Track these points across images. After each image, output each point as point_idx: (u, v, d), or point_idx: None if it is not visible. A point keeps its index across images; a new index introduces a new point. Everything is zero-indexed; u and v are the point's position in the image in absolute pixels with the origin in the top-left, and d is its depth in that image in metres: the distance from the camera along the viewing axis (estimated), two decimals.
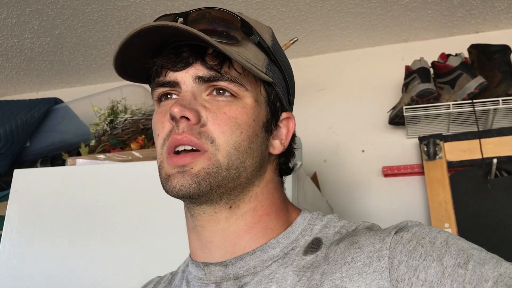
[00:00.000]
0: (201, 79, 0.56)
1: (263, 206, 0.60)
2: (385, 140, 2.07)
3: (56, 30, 2.10)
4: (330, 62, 2.30)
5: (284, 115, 0.64)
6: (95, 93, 1.98)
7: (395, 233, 0.52)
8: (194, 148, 0.54)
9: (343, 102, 2.22)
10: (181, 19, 0.57)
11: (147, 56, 0.58)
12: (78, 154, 1.79)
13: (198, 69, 0.56)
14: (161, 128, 0.57)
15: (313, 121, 2.22)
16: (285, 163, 0.66)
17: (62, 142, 1.97)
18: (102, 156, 1.49)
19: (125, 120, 1.81)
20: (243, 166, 0.57)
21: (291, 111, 0.68)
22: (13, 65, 2.42)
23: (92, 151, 1.73)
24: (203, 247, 0.60)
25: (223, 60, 0.56)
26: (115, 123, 1.81)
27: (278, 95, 0.63)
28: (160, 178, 0.57)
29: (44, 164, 1.94)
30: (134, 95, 1.91)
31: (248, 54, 0.58)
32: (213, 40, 0.53)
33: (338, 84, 2.25)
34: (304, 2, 1.91)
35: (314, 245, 0.57)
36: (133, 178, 1.30)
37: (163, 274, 0.75)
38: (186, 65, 0.56)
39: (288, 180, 1.19)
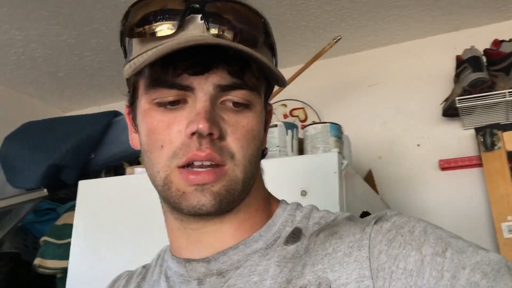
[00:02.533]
0: (222, 87, 0.51)
1: (255, 202, 0.59)
2: (440, 133, 2.02)
3: (112, 46, 2.22)
4: (380, 57, 2.27)
5: (268, 106, 0.62)
6: None
7: (375, 223, 0.52)
8: (212, 164, 0.51)
9: (395, 96, 2.18)
10: (197, 6, 0.51)
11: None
12: (138, 163, 1.89)
13: (220, 76, 0.51)
14: (167, 140, 0.52)
15: (365, 117, 2.21)
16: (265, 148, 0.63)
17: (123, 152, 2.07)
18: None
19: None
20: (254, 177, 0.56)
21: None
22: (76, 81, 2.59)
23: None
24: (189, 246, 0.57)
25: (244, 65, 0.52)
26: None
27: (271, 89, 0.61)
28: (167, 192, 0.53)
29: (108, 174, 2.05)
30: None
31: (265, 58, 0.54)
32: (254, 52, 0.50)
33: (389, 78, 2.22)
34: (348, 0, 1.90)
35: (295, 235, 0.56)
36: None
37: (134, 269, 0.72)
38: (206, 69, 0.50)
39: (334, 180, 1.21)
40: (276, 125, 1.39)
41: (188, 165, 0.51)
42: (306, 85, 2.22)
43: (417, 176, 2.02)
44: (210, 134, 0.50)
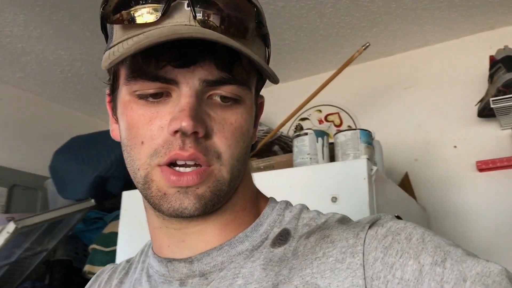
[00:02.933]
0: (209, 82, 0.48)
1: (241, 200, 0.56)
2: (477, 134, 1.99)
3: None
4: (414, 59, 2.27)
5: (259, 99, 0.59)
6: None
7: (369, 227, 0.49)
8: (196, 163, 0.48)
9: (430, 98, 2.17)
10: (200, 17, 0.47)
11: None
12: None
13: (207, 70, 0.47)
14: (148, 136, 0.48)
15: (401, 120, 2.21)
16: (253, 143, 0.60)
17: None
18: None
19: None
20: (241, 175, 0.53)
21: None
22: None
23: None
24: (171, 245, 0.55)
25: (233, 58, 0.48)
26: None
27: (263, 82, 0.57)
28: (147, 191, 0.49)
29: None
30: None
31: (256, 50, 0.51)
32: (244, 48, 0.46)
33: (424, 80, 2.21)
34: (377, 5, 1.92)
35: (282, 237, 0.53)
36: None
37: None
38: (192, 62, 0.46)
39: (364, 186, 1.23)
40: (306, 133, 1.43)
41: (170, 164, 0.48)
42: (340, 90, 2.25)
43: (455, 178, 2.01)
44: (195, 132, 0.47)
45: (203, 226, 0.54)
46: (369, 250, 0.47)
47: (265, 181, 1.31)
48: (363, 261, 0.46)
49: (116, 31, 0.51)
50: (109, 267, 0.69)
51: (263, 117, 2.35)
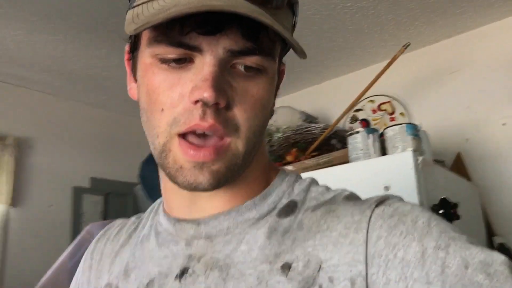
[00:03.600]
0: (234, 52, 0.46)
1: (254, 171, 0.55)
2: None
3: None
4: (458, 44, 2.39)
5: (281, 67, 0.57)
6: None
7: (376, 206, 0.48)
8: (215, 136, 0.47)
9: (477, 80, 2.30)
10: None
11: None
12: None
13: (232, 39, 0.45)
14: (169, 103, 0.47)
15: (449, 103, 2.35)
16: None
17: None
18: None
19: (279, 138, 2.21)
20: (255, 146, 0.51)
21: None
22: None
23: None
24: (182, 207, 0.55)
25: (259, 28, 0.46)
26: (272, 141, 2.22)
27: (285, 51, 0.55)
28: (164, 160, 0.49)
29: None
30: (282, 115, 2.29)
31: (284, 19, 0.50)
32: (275, 24, 0.44)
33: (469, 63, 2.34)
34: (415, 2, 2.07)
35: (289, 208, 0.53)
36: None
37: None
38: (218, 30, 0.45)
39: (411, 175, 1.43)
40: (358, 132, 1.64)
41: (189, 133, 0.47)
42: (390, 80, 2.42)
43: (505, 155, 2.14)
44: (217, 104, 0.46)
45: (214, 192, 0.52)
46: (374, 228, 0.46)
47: (325, 176, 1.52)
48: (366, 238, 0.46)
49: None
50: (118, 221, 0.68)
51: (318, 113, 2.56)
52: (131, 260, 0.59)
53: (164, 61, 0.47)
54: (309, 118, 2.42)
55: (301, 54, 0.49)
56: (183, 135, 0.47)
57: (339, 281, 0.45)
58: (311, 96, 2.84)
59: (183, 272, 0.52)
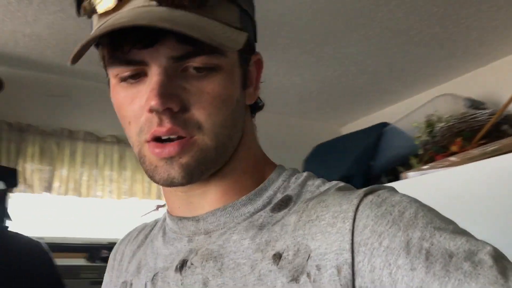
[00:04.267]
0: (175, 58, 0.48)
1: (241, 164, 0.57)
2: None
3: (369, 68, 2.61)
4: None
5: (254, 57, 0.58)
6: (411, 111, 2.36)
7: (364, 195, 0.49)
8: (182, 136, 0.50)
9: None
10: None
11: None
12: (410, 167, 2.20)
13: (171, 47, 0.47)
14: (132, 116, 0.51)
15: None
16: (257, 103, 0.61)
17: (395, 156, 2.42)
18: (426, 166, 1.86)
19: (441, 128, 2.13)
20: (229, 138, 0.53)
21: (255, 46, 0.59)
22: (346, 101, 3.08)
23: (420, 160, 2.12)
24: (181, 206, 0.58)
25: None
26: (434, 132, 2.15)
27: (249, 43, 0.55)
28: (143, 165, 0.53)
29: (387, 176, 2.43)
30: (443, 104, 2.20)
31: (222, 15, 0.50)
32: (198, 33, 0.45)
33: None
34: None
35: (283, 203, 0.55)
36: (455, 183, 1.58)
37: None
38: (154, 41, 0.47)
39: None
40: None
41: (155, 139, 0.50)
42: None
43: None
44: (169, 109, 0.48)
45: (205, 189, 0.56)
46: (361, 217, 0.47)
47: (491, 168, 1.43)
48: (353, 227, 0.46)
49: (93, 20, 0.53)
50: (140, 226, 0.71)
51: (485, 98, 2.39)
52: (143, 258, 0.62)
53: (123, 79, 0.50)
54: (475, 104, 2.28)
55: (228, 47, 0.48)
56: (151, 141, 0.50)
57: (326, 269, 0.46)
58: (475, 80, 2.66)
59: (182, 265, 0.55)
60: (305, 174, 0.59)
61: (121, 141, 2.72)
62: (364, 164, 2.49)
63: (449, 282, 0.40)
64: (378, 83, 2.79)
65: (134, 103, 0.50)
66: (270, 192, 0.56)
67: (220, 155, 0.53)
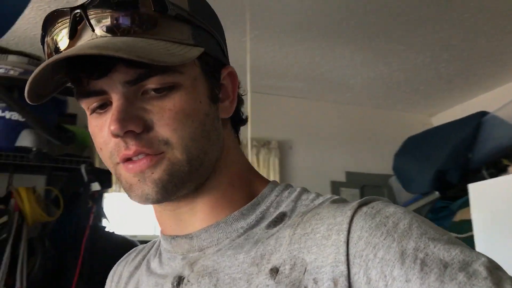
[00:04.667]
0: (130, 83, 0.49)
1: (226, 177, 0.58)
2: None
3: (464, 53, 2.42)
4: None
5: (224, 71, 0.58)
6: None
7: (359, 207, 0.49)
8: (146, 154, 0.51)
9: None
10: (78, 12, 0.50)
11: (58, 69, 0.51)
12: None
13: (123, 72, 0.49)
14: (103, 143, 0.53)
15: None
16: (238, 115, 0.61)
17: (498, 147, 2.23)
18: None
19: None
20: (203, 152, 0.53)
21: (228, 62, 0.61)
22: (437, 89, 2.89)
23: None
24: (173, 225, 0.59)
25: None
26: None
27: (212, 56, 0.56)
28: (121, 184, 0.54)
29: (488, 170, 2.24)
30: None
31: (170, 34, 0.51)
32: (134, 55, 0.46)
33: None
34: None
35: (278, 219, 0.55)
36: None
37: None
38: (107, 70, 0.49)
39: None
40: None
41: (126, 160, 0.51)
42: None
43: None
44: (131, 131, 0.49)
45: (192, 205, 0.56)
46: (355, 229, 0.47)
47: None
48: (348, 239, 0.47)
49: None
50: (139, 247, 0.72)
51: None
52: (140, 279, 0.63)
53: (93, 110, 0.52)
54: None
55: (170, 63, 0.48)
56: (123, 162, 0.51)
57: (323, 282, 0.46)
58: None
59: (179, 282, 0.55)
60: (298, 189, 0.58)
61: None
62: (462, 156, 2.32)
63: None
64: (473, 68, 2.59)
65: (103, 131, 0.52)
66: (263, 207, 0.57)
67: (195, 169, 0.53)
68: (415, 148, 2.46)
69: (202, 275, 0.53)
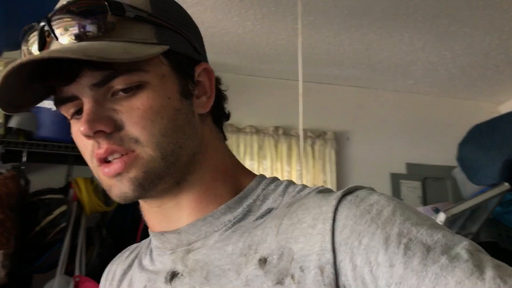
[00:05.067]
0: (97, 85, 0.52)
1: (209, 172, 0.59)
2: None
3: None
4: None
5: (198, 68, 0.59)
6: None
7: (343, 196, 0.51)
8: (122, 153, 0.52)
9: None
10: (45, 26, 0.52)
11: (31, 79, 0.54)
12: None
13: (88, 76, 0.51)
14: (83, 146, 0.55)
15: None
16: (219, 110, 0.63)
17: None
18: None
19: None
20: (178, 146, 0.55)
21: (205, 59, 0.62)
22: (506, 76, 2.70)
23: None
24: (161, 222, 0.60)
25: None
26: None
27: (183, 54, 0.58)
28: (104, 188, 0.56)
29: None
30: None
31: (131, 34, 0.53)
32: (82, 54, 0.48)
33: None
34: None
35: (265, 213, 0.56)
36: None
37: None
38: (73, 75, 0.51)
39: None
40: None
41: (102, 161, 0.53)
42: None
43: None
44: (102, 132, 0.51)
45: (177, 201, 0.58)
46: (340, 217, 0.49)
47: None
48: (333, 227, 0.48)
49: None
50: (132, 246, 0.74)
51: None
52: (133, 276, 0.64)
53: (71, 117, 0.55)
54: None
55: (123, 59, 0.50)
56: (99, 164, 0.53)
57: (310, 270, 0.47)
58: None
59: (172, 276, 0.57)
60: (285, 182, 0.60)
61: (260, 131, 2.74)
62: None
63: (426, 277, 0.42)
64: None
65: (81, 136, 0.54)
66: (249, 200, 0.58)
67: (172, 163, 0.54)
68: (482, 137, 2.30)
69: (194, 268, 0.55)
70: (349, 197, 0.51)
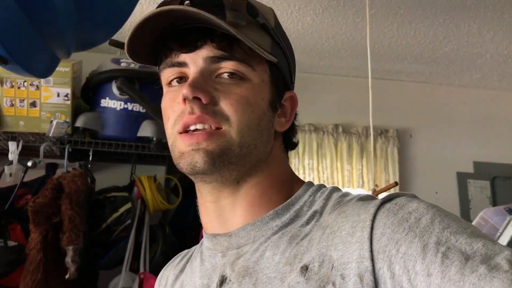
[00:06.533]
0: (211, 59, 0.57)
1: (268, 179, 0.62)
2: None
3: None
4: None
5: (287, 93, 0.65)
6: None
7: (382, 204, 0.52)
8: (206, 127, 0.56)
9: None
10: (187, 1, 0.56)
11: (156, 38, 0.59)
12: None
13: (208, 50, 0.57)
14: (171, 112, 0.59)
15: None
16: (289, 138, 0.67)
17: None
18: None
19: None
20: (254, 143, 0.58)
21: (292, 88, 0.68)
22: None
23: None
24: (213, 220, 0.63)
25: (231, 41, 0.57)
26: None
27: (282, 75, 0.63)
28: (173, 154, 0.59)
29: None
30: None
31: (253, 36, 0.58)
32: (222, 22, 0.53)
33: None
34: None
35: (311, 218, 0.58)
36: None
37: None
38: (195, 46, 0.57)
39: None
40: None
41: (187, 131, 0.56)
42: None
43: None
44: (198, 98, 0.55)
45: (233, 198, 0.61)
46: (378, 225, 0.49)
47: None
48: (371, 235, 0.49)
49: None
50: (184, 252, 0.77)
51: None
52: (185, 279, 0.67)
53: (169, 85, 0.60)
54: None
55: (265, 54, 0.58)
56: (183, 132, 0.57)
57: (350, 278, 0.48)
58: None
59: (222, 281, 0.59)
60: (330, 188, 0.62)
61: (318, 129, 2.69)
62: None
63: (463, 287, 0.41)
64: None
65: (175, 101, 0.58)
66: (297, 206, 0.60)
67: (244, 154, 0.57)
68: None
69: (243, 275, 0.57)
70: (387, 205, 0.51)
